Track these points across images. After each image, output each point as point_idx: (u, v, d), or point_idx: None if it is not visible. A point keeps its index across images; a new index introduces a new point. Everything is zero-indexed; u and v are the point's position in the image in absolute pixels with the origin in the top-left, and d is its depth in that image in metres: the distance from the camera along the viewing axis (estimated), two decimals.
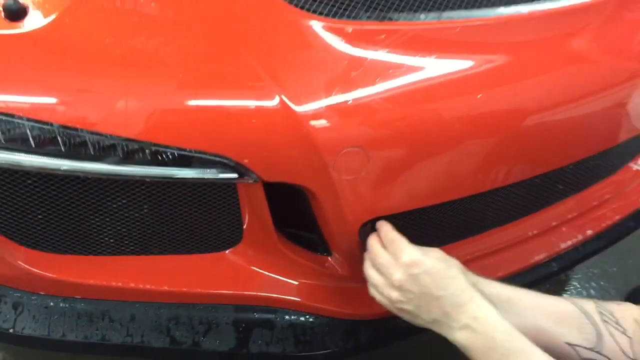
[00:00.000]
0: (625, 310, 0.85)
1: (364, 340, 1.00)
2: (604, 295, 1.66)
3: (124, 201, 0.86)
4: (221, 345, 0.96)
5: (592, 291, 1.67)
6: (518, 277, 1.10)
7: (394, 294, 0.80)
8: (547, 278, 1.15)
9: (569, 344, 0.82)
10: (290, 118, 0.77)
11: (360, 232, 0.90)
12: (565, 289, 1.68)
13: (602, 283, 1.69)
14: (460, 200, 0.93)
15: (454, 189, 0.89)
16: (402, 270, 0.78)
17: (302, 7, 0.81)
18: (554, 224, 1.16)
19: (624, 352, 0.82)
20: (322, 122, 0.78)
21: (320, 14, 0.81)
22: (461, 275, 0.78)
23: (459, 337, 0.76)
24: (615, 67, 1.00)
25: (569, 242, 1.17)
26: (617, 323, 0.84)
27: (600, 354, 0.82)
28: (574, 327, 0.83)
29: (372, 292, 0.84)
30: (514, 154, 0.93)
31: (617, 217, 1.22)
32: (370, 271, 0.83)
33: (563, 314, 0.84)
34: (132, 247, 0.93)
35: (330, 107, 0.78)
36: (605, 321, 0.84)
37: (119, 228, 0.90)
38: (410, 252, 0.79)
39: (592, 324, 0.83)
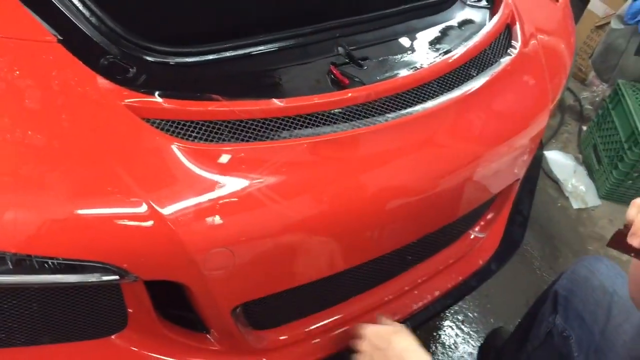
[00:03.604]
0: None
1: None
2: (465, 339, 1.88)
3: (13, 302, 0.95)
4: None
5: (458, 338, 1.89)
6: None
7: None
8: None
9: None
10: (160, 224, 0.90)
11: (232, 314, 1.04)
12: (434, 334, 1.89)
13: (464, 328, 1.92)
14: (317, 281, 1.10)
15: (307, 274, 1.06)
16: None
17: (167, 131, 0.95)
18: (406, 288, 1.36)
19: None
20: (189, 228, 0.92)
21: (188, 137, 0.96)
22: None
23: None
24: (461, 152, 1.22)
25: (420, 303, 1.37)
26: None
27: None
28: None
29: None
30: (361, 242, 1.11)
31: (460, 278, 1.44)
32: None
33: None
34: (22, 340, 1.02)
35: (195, 214, 0.92)
36: None
37: (9, 324, 0.98)
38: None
39: None
